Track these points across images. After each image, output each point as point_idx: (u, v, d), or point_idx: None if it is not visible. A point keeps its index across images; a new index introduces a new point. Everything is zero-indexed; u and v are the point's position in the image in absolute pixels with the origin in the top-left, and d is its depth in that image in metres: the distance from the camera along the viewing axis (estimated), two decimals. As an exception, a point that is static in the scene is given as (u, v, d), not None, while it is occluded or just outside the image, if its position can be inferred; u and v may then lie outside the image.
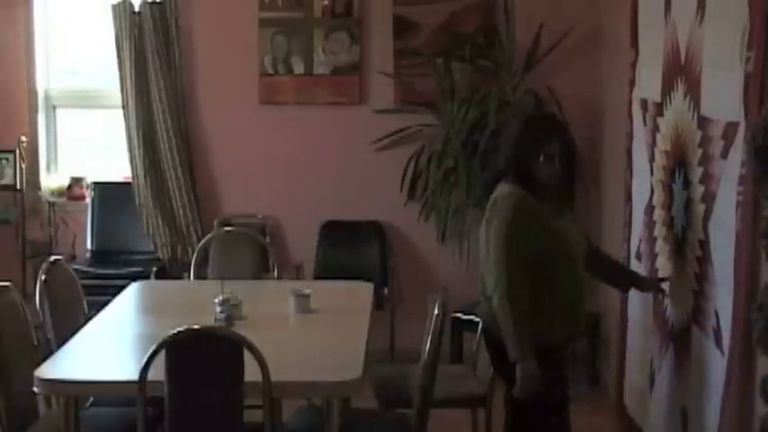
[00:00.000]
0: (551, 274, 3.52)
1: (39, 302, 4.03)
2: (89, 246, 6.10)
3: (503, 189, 3.56)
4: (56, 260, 4.27)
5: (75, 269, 4.66)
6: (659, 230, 4.21)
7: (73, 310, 4.23)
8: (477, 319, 3.98)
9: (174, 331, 3.20)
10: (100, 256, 6.04)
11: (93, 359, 3.69)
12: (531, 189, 3.55)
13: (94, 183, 6.15)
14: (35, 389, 3.40)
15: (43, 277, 4.06)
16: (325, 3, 5.91)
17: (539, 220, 3.53)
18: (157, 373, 3.19)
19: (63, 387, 3.42)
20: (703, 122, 3.63)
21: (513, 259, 3.44)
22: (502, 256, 3.45)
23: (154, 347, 3.19)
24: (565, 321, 3.60)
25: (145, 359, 3.19)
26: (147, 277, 5.61)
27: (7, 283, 3.78)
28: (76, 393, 3.48)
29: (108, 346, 3.86)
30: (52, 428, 3.60)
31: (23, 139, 6.08)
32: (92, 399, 3.94)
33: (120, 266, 5.82)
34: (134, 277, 5.09)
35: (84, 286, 4.42)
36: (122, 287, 4.57)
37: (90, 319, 4.12)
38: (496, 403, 4.09)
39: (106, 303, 4.30)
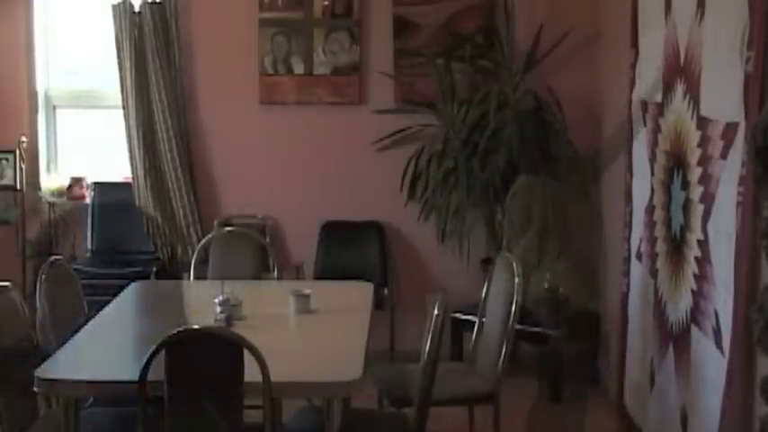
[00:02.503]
0: None
1: (39, 302, 4.03)
2: (89, 246, 6.10)
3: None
4: (56, 260, 4.27)
5: (76, 269, 4.65)
6: (660, 230, 4.21)
7: (73, 310, 4.22)
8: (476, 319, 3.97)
9: (174, 331, 3.20)
10: (100, 256, 6.04)
11: (93, 359, 3.68)
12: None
13: (94, 183, 6.16)
14: (35, 389, 3.40)
15: (43, 277, 4.06)
16: (326, 3, 5.91)
17: None
18: (157, 373, 3.19)
19: (63, 387, 3.41)
20: (703, 123, 3.63)
21: None
22: None
23: (154, 347, 3.19)
24: None
25: (145, 359, 3.19)
26: (147, 277, 5.61)
27: (7, 283, 3.78)
28: (76, 393, 3.47)
29: (108, 346, 3.86)
30: (52, 428, 3.59)
31: (23, 139, 6.08)
32: (92, 399, 3.93)
33: (120, 266, 5.82)
34: (134, 277, 5.09)
35: (84, 286, 4.41)
36: (122, 287, 4.56)
37: (90, 319, 4.11)
38: (502, 401, 4.10)
39: (106, 303, 4.29)
